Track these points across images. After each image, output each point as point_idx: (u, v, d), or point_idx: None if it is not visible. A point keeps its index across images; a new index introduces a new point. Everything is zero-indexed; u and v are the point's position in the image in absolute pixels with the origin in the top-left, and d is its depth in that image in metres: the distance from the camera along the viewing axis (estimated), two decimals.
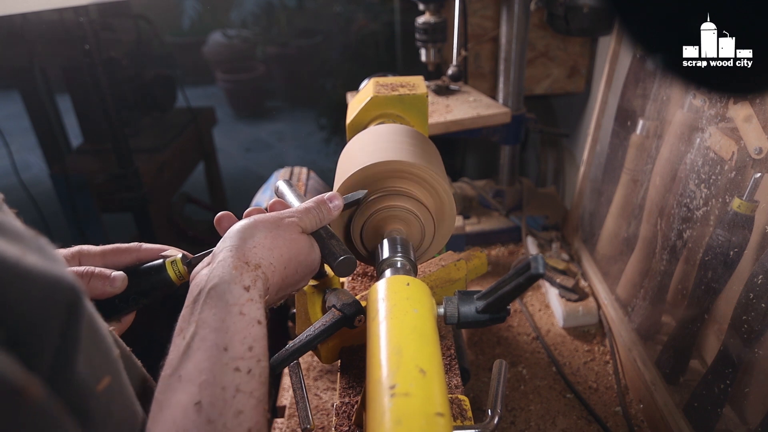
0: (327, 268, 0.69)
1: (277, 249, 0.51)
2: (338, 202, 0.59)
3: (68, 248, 0.56)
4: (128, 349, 0.47)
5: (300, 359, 0.61)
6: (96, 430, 0.32)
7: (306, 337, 0.60)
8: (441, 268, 0.76)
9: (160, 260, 0.58)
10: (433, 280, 0.75)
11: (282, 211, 0.56)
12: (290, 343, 0.60)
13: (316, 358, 1.01)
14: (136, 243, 0.59)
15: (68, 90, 1.78)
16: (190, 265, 0.58)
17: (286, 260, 0.52)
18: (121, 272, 0.55)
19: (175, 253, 0.59)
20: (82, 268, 0.53)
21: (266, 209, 0.61)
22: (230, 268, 0.46)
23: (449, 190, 0.68)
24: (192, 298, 0.45)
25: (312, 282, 0.69)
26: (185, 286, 0.52)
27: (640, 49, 0.82)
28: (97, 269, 0.53)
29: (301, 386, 0.61)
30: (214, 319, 0.43)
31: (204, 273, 0.47)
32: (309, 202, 0.58)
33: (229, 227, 0.54)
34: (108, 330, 0.38)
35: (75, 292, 0.32)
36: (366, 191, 0.65)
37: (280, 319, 1.14)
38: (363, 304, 0.68)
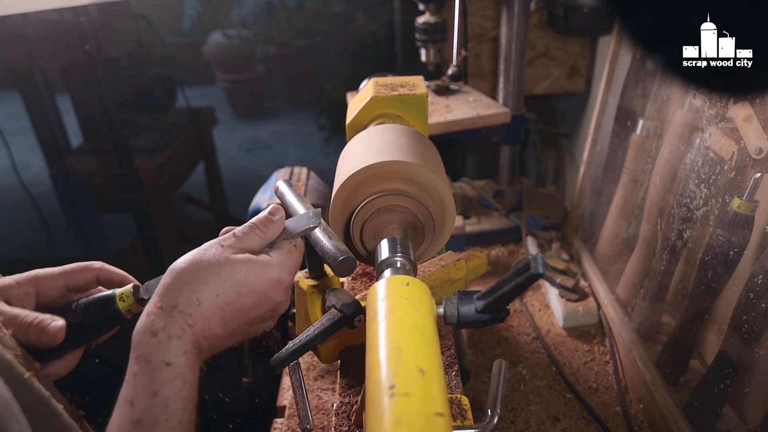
0: (327, 268, 0.69)
1: (200, 282, 0.49)
2: (281, 215, 0.57)
3: (24, 273, 0.54)
4: (47, 394, 0.44)
5: (300, 359, 0.61)
6: None
7: (306, 337, 0.60)
8: (441, 268, 0.76)
9: (111, 291, 0.57)
10: (433, 280, 0.75)
11: (221, 238, 0.54)
12: (290, 343, 0.60)
13: (316, 358, 1.01)
14: (98, 262, 0.58)
15: (68, 90, 1.78)
16: (139, 296, 0.57)
17: (219, 290, 0.49)
18: (59, 323, 0.52)
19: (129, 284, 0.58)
20: (20, 314, 0.51)
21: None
22: (144, 317, 0.46)
23: (449, 190, 0.68)
24: None
25: (312, 282, 0.69)
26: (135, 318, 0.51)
27: (640, 49, 0.82)
28: (36, 319, 0.51)
29: (301, 386, 0.61)
30: (129, 373, 0.43)
31: None
32: (253, 221, 0.56)
33: None
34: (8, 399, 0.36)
35: None
36: (317, 211, 0.60)
37: (280, 320, 1.14)
38: (363, 304, 0.68)
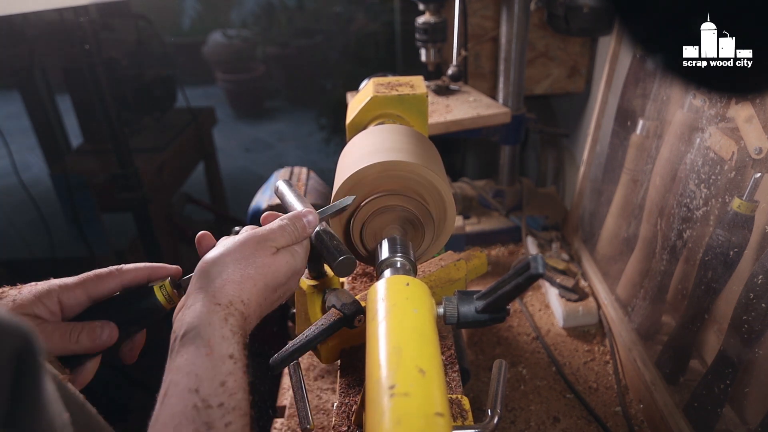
0: (327, 268, 0.69)
1: (249, 280, 0.51)
2: (312, 218, 0.60)
3: (41, 285, 0.53)
4: (82, 397, 0.44)
5: (300, 359, 0.61)
6: None
7: (305, 337, 0.60)
8: (441, 268, 0.76)
9: (149, 285, 0.57)
10: (433, 280, 0.74)
11: (255, 233, 0.56)
12: (290, 343, 0.60)
13: (316, 358, 1.01)
14: (115, 267, 0.57)
15: (68, 90, 1.78)
16: (180, 286, 0.58)
17: (261, 288, 0.52)
18: (111, 325, 0.54)
19: (161, 272, 0.58)
20: (66, 326, 0.52)
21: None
22: (200, 313, 0.47)
23: (449, 190, 0.68)
24: (170, 347, 0.46)
25: (312, 282, 0.69)
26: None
27: (640, 49, 0.82)
28: (87, 326, 0.52)
29: (301, 386, 0.61)
30: (185, 363, 0.44)
31: (178, 319, 0.48)
32: (284, 219, 0.58)
33: (209, 248, 0.55)
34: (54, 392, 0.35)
35: (26, 338, 0.29)
36: (353, 197, 0.65)
37: (280, 319, 1.15)
38: (363, 304, 0.68)
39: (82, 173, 1.80)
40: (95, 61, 1.45)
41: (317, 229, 0.61)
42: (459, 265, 0.77)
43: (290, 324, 1.10)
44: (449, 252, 0.80)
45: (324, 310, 0.67)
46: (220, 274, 0.51)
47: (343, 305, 0.62)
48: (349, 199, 0.65)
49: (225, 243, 0.54)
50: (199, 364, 0.44)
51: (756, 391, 0.70)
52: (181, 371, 0.43)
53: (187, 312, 0.48)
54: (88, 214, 1.82)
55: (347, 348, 0.74)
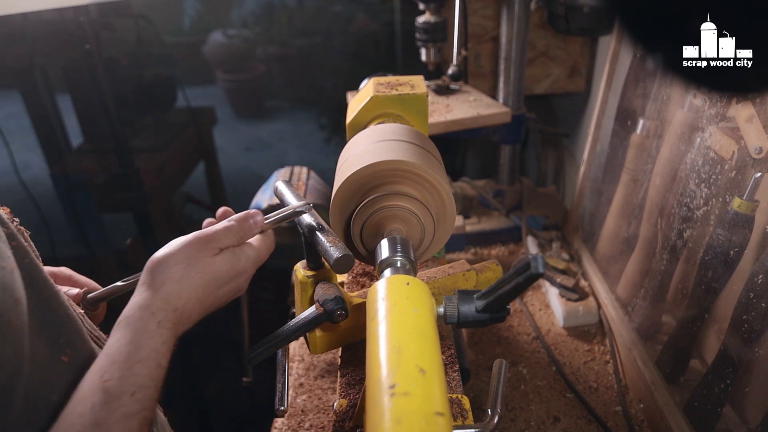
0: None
1: (189, 280, 0.54)
2: (259, 219, 0.61)
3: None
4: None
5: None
6: None
7: (285, 330, 0.61)
8: (447, 276, 0.73)
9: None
10: (437, 287, 0.72)
11: (200, 234, 0.58)
12: (270, 336, 0.61)
13: (317, 357, 1.01)
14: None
15: (68, 90, 1.78)
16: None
17: (200, 287, 0.55)
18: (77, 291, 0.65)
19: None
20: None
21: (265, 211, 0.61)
22: (134, 305, 0.51)
23: (449, 189, 0.68)
24: None
25: (309, 273, 0.69)
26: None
27: (640, 49, 0.83)
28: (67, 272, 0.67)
29: (285, 371, 0.63)
30: (109, 345, 0.49)
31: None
32: (232, 219, 0.60)
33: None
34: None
35: None
36: (307, 203, 0.64)
37: (279, 320, 1.14)
38: (357, 301, 0.69)
39: (82, 173, 1.80)
40: (95, 61, 1.45)
41: (313, 224, 0.61)
42: (468, 275, 0.73)
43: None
44: (462, 261, 0.77)
45: (312, 302, 0.67)
46: (163, 272, 0.54)
47: (325, 300, 0.62)
48: (302, 205, 0.64)
49: (173, 243, 0.57)
50: (117, 348, 0.48)
51: (756, 390, 0.70)
52: (103, 352, 0.48)
53: (129, 303, 0.52)
54: (88, 214, 1.82)
55: (347, 346, 0.74)
